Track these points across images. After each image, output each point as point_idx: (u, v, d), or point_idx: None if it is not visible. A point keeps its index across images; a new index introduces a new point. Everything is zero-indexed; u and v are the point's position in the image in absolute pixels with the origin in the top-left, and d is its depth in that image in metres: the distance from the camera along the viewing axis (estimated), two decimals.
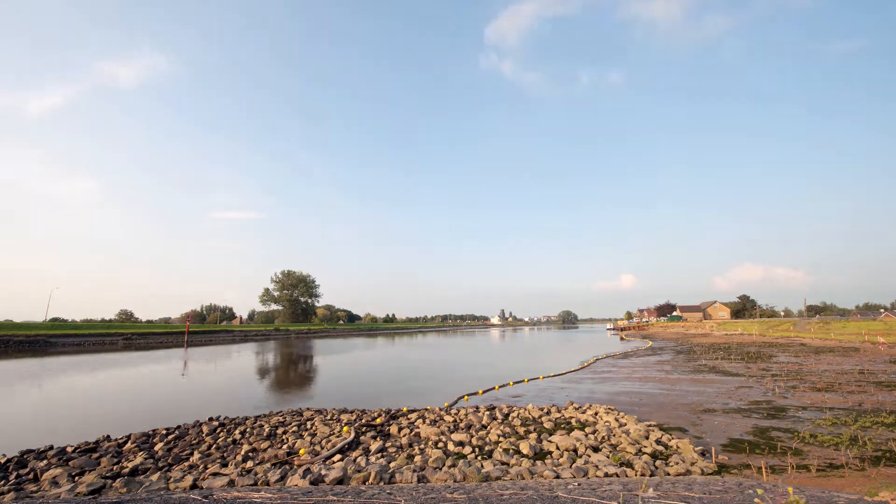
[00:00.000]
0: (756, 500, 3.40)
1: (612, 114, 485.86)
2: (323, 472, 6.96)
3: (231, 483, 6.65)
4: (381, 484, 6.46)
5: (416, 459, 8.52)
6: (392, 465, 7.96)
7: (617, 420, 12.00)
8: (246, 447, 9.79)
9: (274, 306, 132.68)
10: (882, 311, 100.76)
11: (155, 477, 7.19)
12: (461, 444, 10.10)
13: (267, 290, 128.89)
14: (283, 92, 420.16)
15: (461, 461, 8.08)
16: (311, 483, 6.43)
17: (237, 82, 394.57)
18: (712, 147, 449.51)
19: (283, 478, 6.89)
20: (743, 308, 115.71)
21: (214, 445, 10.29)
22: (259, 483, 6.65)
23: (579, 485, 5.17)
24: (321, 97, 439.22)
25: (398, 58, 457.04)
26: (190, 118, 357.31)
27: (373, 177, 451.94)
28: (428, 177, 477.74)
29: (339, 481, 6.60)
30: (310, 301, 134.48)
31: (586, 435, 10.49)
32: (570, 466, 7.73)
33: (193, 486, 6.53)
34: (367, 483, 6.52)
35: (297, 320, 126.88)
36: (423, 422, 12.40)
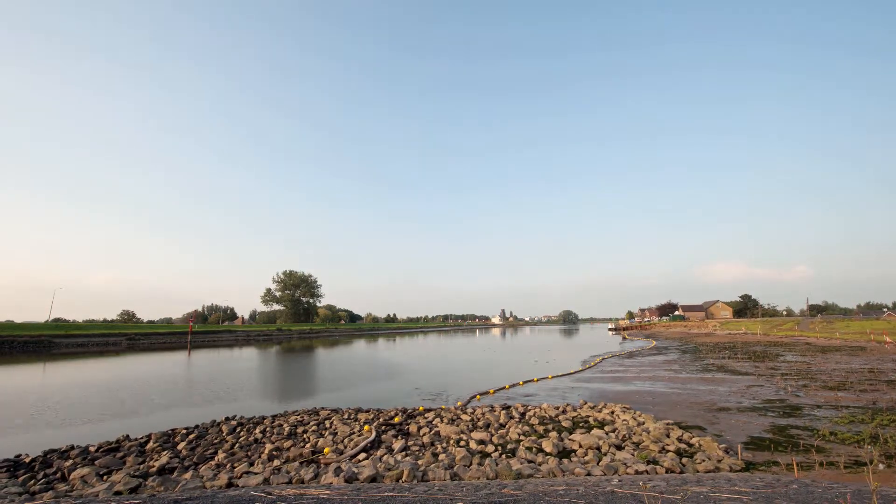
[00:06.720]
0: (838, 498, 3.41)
1: (612, 115, 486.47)
2: (354, 470, 6.99)
3: (266, 482, 6.69)
4: (415, 482, 6.49)
5: (441, 457, 8.55)
6: (420, 462, 7.99)
7: (635, 418, 12.03)
8: (269, 446, 9.81)
9: (276, 306, 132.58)
10: (885, 310, 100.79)
11: (188, 475, 7.22)
12: (483, 442, 10.13)
13: (269, 290, 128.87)
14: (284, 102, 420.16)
15: (487, 459, 8.12)
16: (346, 481, 6.46)
17: (236, 84, 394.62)
18: (711, 147, 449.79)
19: (316, 476, 6.93)
20: (745, 307, 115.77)
21: (237, 444, 10.33)
22: (294, 481, 6.69)
23: (620, 482, 5.20)
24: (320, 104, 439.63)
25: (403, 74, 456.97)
26: (194, 122, 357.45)
27: (373, 177, 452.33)
28: (429, 177, 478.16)
29: (373, 479, 6.63)
30: (311, 301, 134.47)
31: (607, 434, 10.53)
32: (599, 464, 7.77)
33: (229, 485, 6.56)
34: (401, 480, 6.56)
35: (298, 320, 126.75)
36: (441, 420, 12.43)
